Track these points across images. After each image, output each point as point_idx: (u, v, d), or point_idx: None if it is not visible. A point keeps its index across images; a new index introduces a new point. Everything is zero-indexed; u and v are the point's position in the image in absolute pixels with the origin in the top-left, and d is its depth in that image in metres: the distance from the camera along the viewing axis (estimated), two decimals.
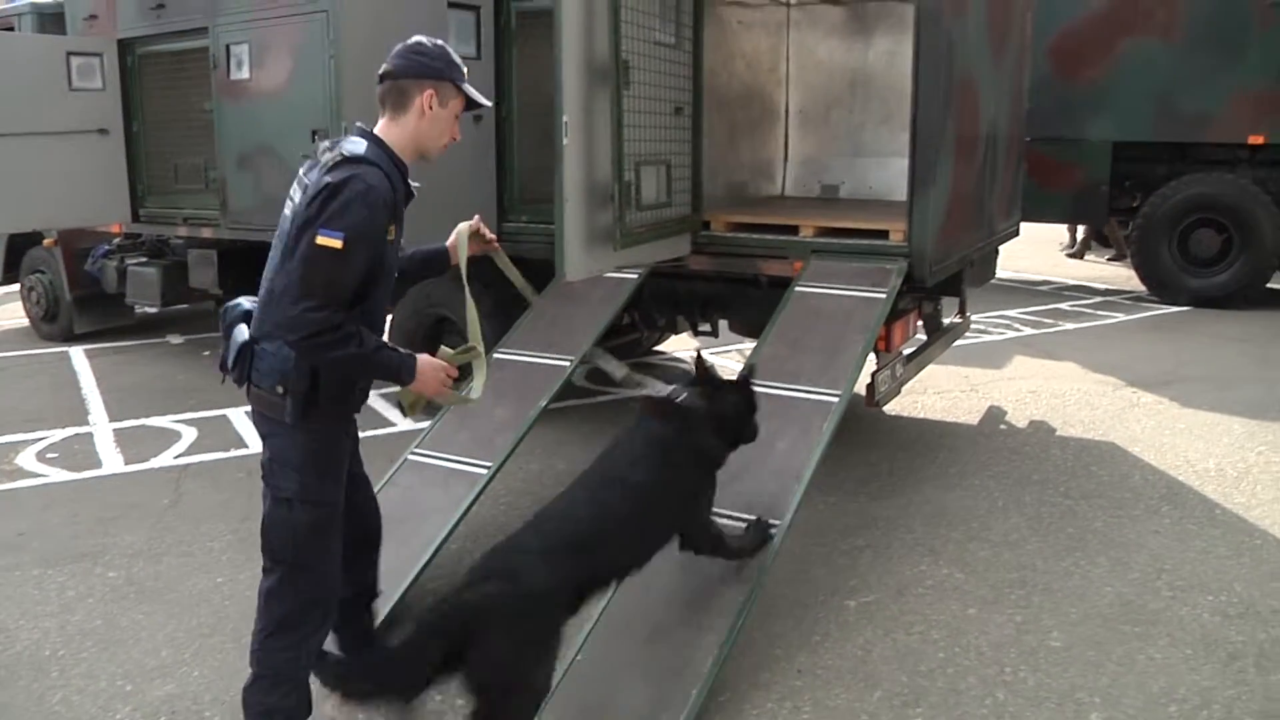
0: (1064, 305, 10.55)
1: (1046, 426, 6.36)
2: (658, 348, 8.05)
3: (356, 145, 2.68)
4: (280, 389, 2.69)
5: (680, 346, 8.29)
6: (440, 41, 2.91)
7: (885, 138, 7.10)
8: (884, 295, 4.59)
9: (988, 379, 7.52)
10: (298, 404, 2.68)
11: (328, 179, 2.58)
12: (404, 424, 6.43)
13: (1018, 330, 9.30)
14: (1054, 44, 10.42)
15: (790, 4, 7.39)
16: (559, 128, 4.20)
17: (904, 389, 5.98)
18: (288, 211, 2.74)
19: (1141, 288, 10.92)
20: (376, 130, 2.78)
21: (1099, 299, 11.01)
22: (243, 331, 2.80)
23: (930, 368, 6.53)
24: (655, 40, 4.75)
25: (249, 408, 2.85)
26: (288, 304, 2.56)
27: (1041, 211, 10.78)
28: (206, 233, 7.49)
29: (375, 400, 6.96)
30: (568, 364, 4.77)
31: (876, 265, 4.81)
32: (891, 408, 6.54)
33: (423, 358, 2.80)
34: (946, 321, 6.35)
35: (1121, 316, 9.98)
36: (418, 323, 6.46)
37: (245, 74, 6.82)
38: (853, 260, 4.90)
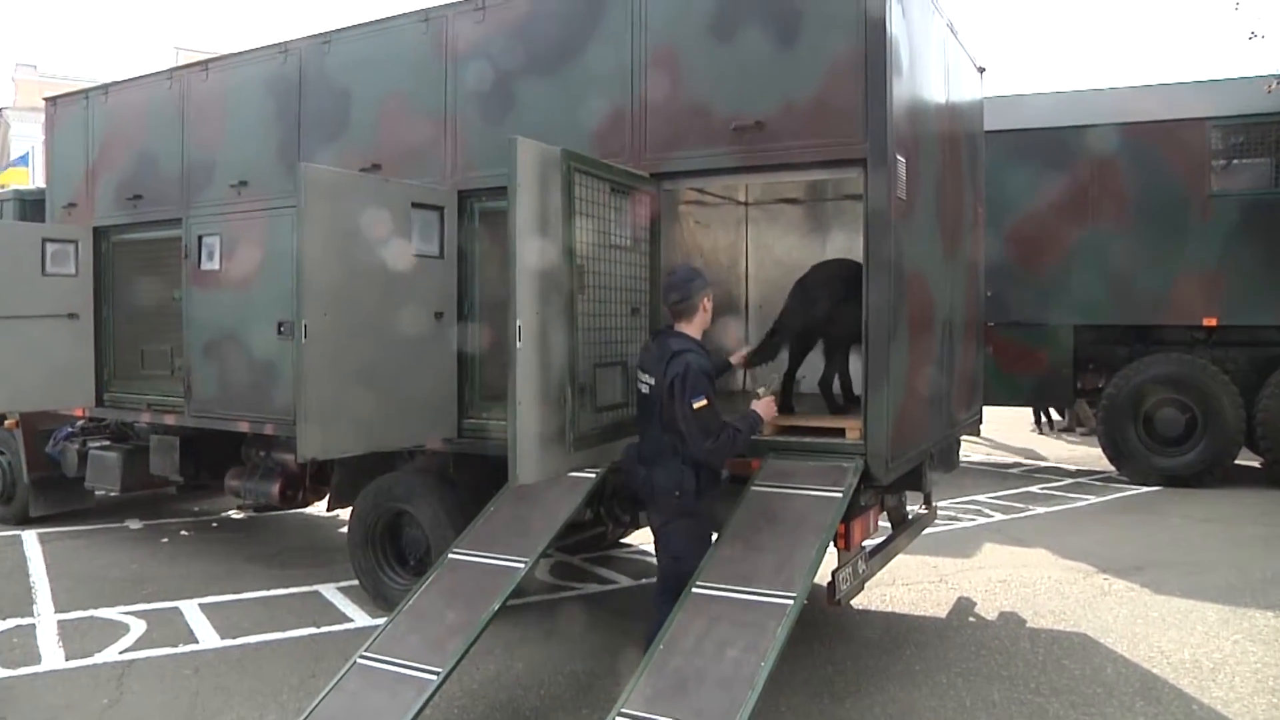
0: (1034, 488, 10.60)
1: (1016, 618, 6.31)
2: (625, 540, 8.00)
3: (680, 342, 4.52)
4: (676, 492, 4.42)
5: (647, 538, 8.22)
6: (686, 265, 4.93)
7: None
8: (840, 495, 4.62)
9: (957, 568, 7.49)
10: (689, 497, 4.43)
11: (676, 368, 4.38)
12: (360, 620, 6.32)
13: (988, 516, 9.33)
14: (1011, 232, 10.86)
15: (748, 203, 7.73)
16: (512, 332, 4.33)
17: (869, 582, 5.94)
18: (645, 390, 4.56)
19: (1112, 468, 11.04)
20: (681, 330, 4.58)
21: (1070, 480, 11.09)
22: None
23: (899, 558, 6.50)
24: (611, 243, 4.94)
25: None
26: (698, 446, 4.40)
27: (1008, 394, 11.08)
28: (170, 419, 7.53)
29: (332, 594, 6.86)
30: (522, 566, 4.76)
31: (833, 464, 4.84)
32: (858, 601, 6.49)
33: (760, 407, 4.70)
34: (912, 513, 6.38)
35: (1093, 499, 10.05)
36: (378, 516, 6.45)
37: (215, 264, 7.02)
38: (809, 459, 4.93)
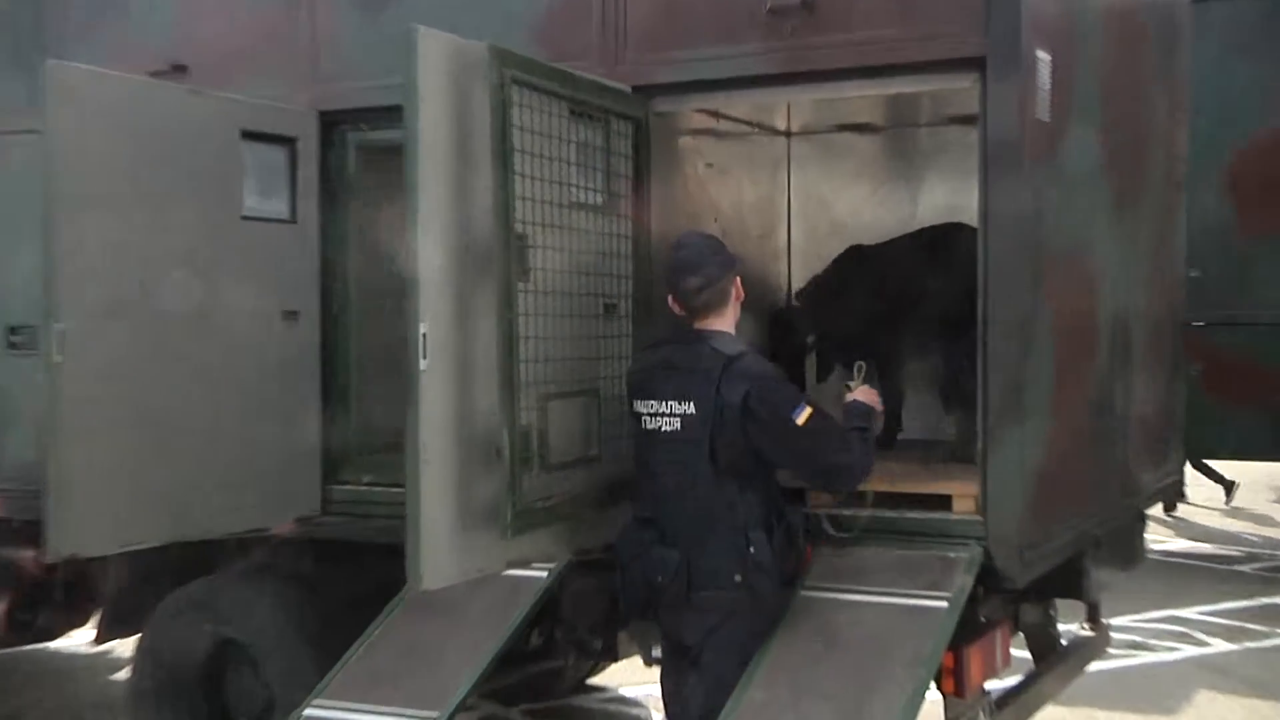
0: None
1: None
2: (593, 680, 8.02)
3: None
4: (737, 575, 4.58)
5: (630, 678, 8.16)
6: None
7: None
8: (945, 604, 4.72)
9: None
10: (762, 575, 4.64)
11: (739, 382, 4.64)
12: None
13: (1199, 643, 9.35)
14: (1233, 172, 10.90)
15: (791, 133, 7.84)
16: (414, 342, 4.45)
17: None
18: (667, 427, 4.75)
19: None
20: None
21: None
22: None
23: (1047, 710, 6.55)
24: (572, 200, 5.07)
25: None
26: (826, 473, 4.84)
27: (1228, 442, 10.93)
28: None
29: None
30: None
31: (933, 553, 4.97)
32: None
33: (862, 396, 5.02)
34: (1068, 635, 6.50)
35: None
36: (185, 651, 6.47)
37: None
38: (893, 545, 5.07)
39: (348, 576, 6.25)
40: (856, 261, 6.44)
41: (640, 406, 4.81)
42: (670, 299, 4.88)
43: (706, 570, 4.62)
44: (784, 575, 4.77)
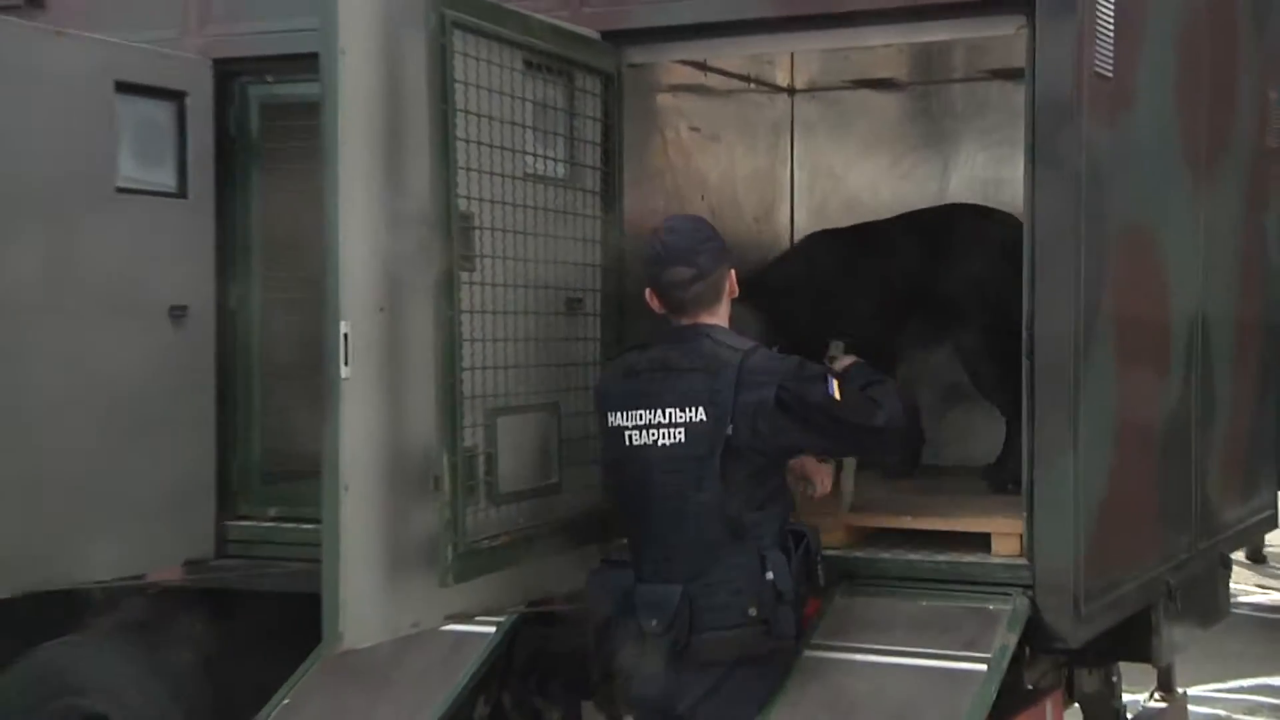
0: None
1: None
2: None
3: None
4: (752, 610, 4.66)
5: None
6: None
7: None
8: (983, 667, 4.73)
9: None
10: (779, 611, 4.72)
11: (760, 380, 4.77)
12: None
13: None
14: None
15: (794, 90, 7.93)
16: (333, 345, 4.44)
17: None
18: (663, 441, 4.81)
19: None
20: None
21: None
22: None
23: None
24: (529, 171, 5.11)
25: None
26: (878, 435, 4.96)
27: None
28: None
29: None
30: None
31: (968, 605, 5.02)
32: None
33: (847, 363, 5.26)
34: (1135, 707, 6.62)
35: None
36: None
37: None
38: (920, 594, 5.13)
39: (247, 636, 6.27)
40: (825, 249, 6.50)
41: (621, 420, 4.86)
42: (649, 293, 4.94)
43: (713, 607, 4.67)
44: (801, 613, 4.86)
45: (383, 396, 4.60)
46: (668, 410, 4.77)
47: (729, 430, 4.67)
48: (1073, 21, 4.94)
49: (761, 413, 4.68)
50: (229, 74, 6.27)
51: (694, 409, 4.73)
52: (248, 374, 6.38)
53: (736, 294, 5.04)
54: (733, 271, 4.99)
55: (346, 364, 4.44)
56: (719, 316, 4.95)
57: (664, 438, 4.78)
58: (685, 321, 4.89)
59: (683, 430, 4.75)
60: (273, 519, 6.21)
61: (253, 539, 6.23)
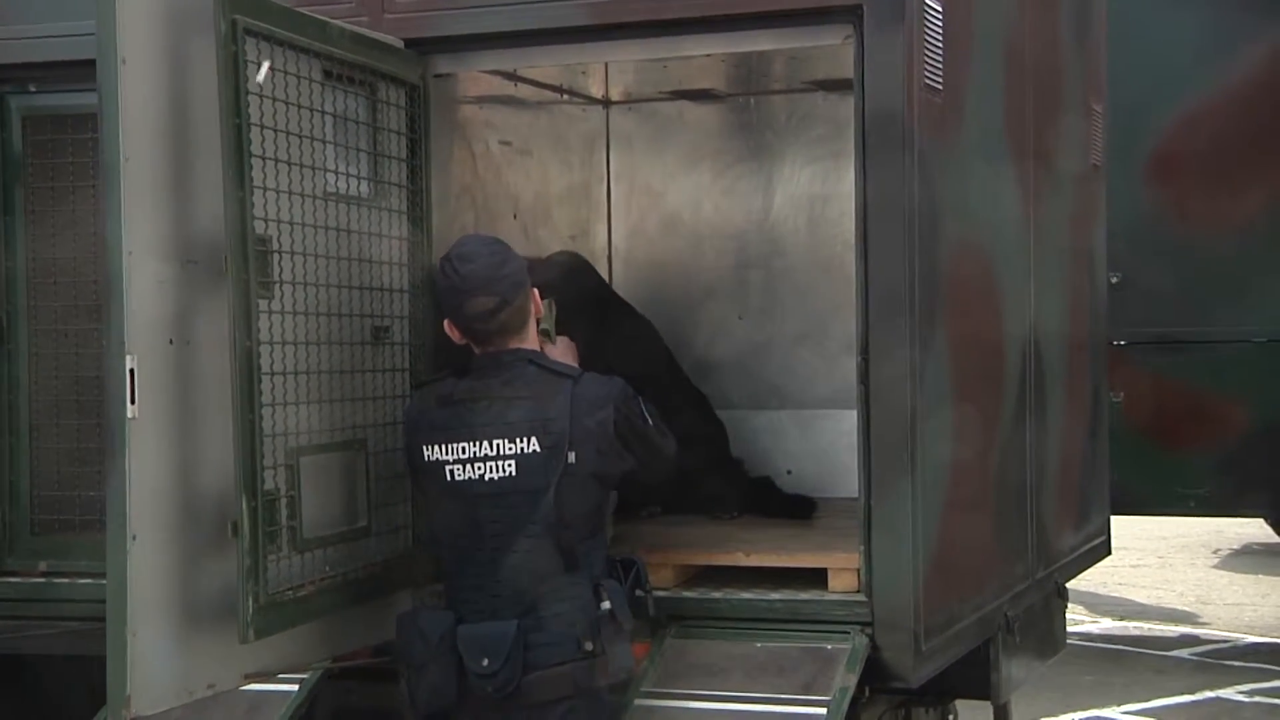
0: (1231, 692, 10.77)
1: None
2: None
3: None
4: (588, 643, 4.60)
5: None
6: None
7: (812, 371, 7.41)
8: (823, 711, 4.68)
9: None
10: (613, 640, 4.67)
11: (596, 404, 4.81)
12: None
13: None
14: (1158, 156, 11.14)
15: (610, 101, 7.85)
16: (117, 381, 4.24)
17: None
18: (493, 474, 4.70)
19: None
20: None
21: None
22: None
23: None
24: (330, 190, 4.95)
25: None
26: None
27: (1161, 495, 11.08)
28: None
29: None
30: None
31: (805, 645, 4.95)
32: None
33: (562, 347, 5.23)
34: None
35: None
36: None
37: None
38: (755, 635, 5.05)
39: (14, 706, 6.08)
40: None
41: (440, 454, 4.73)
42: (448, 325, 4.85)
43: (545, 643, 4.56)
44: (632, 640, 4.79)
45: (173, 437, 4.40)
46: (495, 442, 4.67)
47: (570, 459, 4.64)
48: (901, 32, 4.89)
49: (604, 436, 4.70)
50: None
51: (525, 439, 4.67)
52: (15, 412, 6.11)
53: (542, 314, 4.96)
54: (535, 290, 4.90)
55: (133, 402, 4.24)
56: (529, 340, 4.86)
57: (491, 471, 4.67)
58: (492, 350, 4.78)
59: (513, 463, 4.65)
60: (44, 574, 5.95)
61: (20, 597, 5.95)
